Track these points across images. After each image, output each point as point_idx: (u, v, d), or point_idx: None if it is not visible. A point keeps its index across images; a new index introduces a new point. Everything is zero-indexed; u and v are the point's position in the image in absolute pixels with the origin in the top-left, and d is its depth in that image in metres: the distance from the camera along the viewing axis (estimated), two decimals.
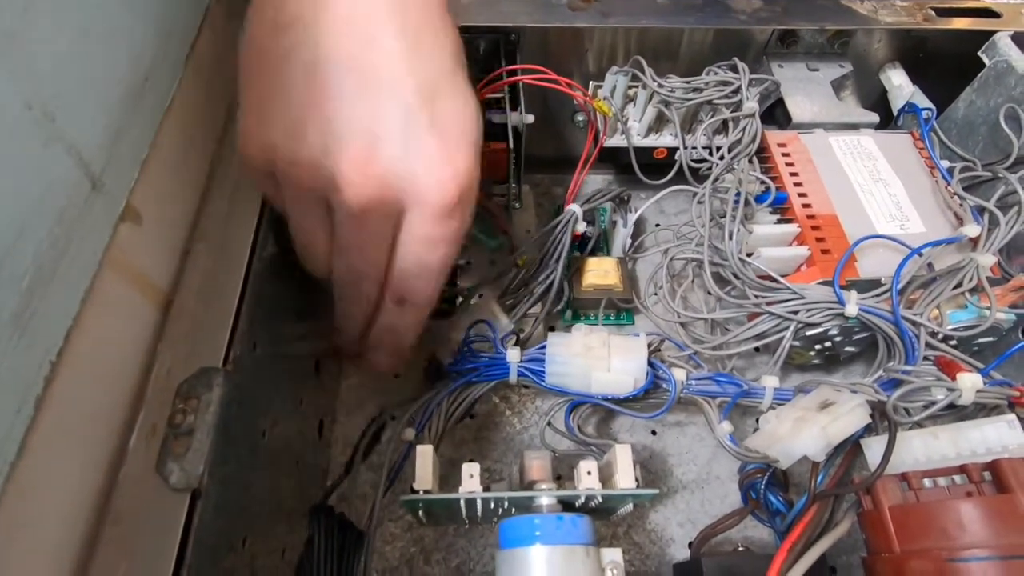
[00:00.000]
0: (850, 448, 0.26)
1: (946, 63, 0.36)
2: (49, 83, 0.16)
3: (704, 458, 0.33)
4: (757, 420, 0.33)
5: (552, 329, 0.34)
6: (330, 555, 0.19)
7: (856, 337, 0.29)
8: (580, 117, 0.38)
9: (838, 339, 0.29)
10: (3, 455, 0.15)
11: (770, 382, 0.27)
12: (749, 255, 0.30)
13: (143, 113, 0.21)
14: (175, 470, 0.18)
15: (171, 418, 0.19)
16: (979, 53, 0.34)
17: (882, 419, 0.25)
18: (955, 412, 0.24)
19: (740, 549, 0.27)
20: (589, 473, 0.23)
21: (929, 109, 0.34)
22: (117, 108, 0.19)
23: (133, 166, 0.20)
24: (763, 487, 0.27)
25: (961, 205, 0.30)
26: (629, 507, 0.24)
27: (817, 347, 0.30)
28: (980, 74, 0.34)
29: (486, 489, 0.22)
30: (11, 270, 0.15)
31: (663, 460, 0.33)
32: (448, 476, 0.32)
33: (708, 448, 0.33)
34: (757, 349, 0.34)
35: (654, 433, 0.34)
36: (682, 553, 0.30)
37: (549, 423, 0.28)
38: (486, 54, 0.35)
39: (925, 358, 0.26)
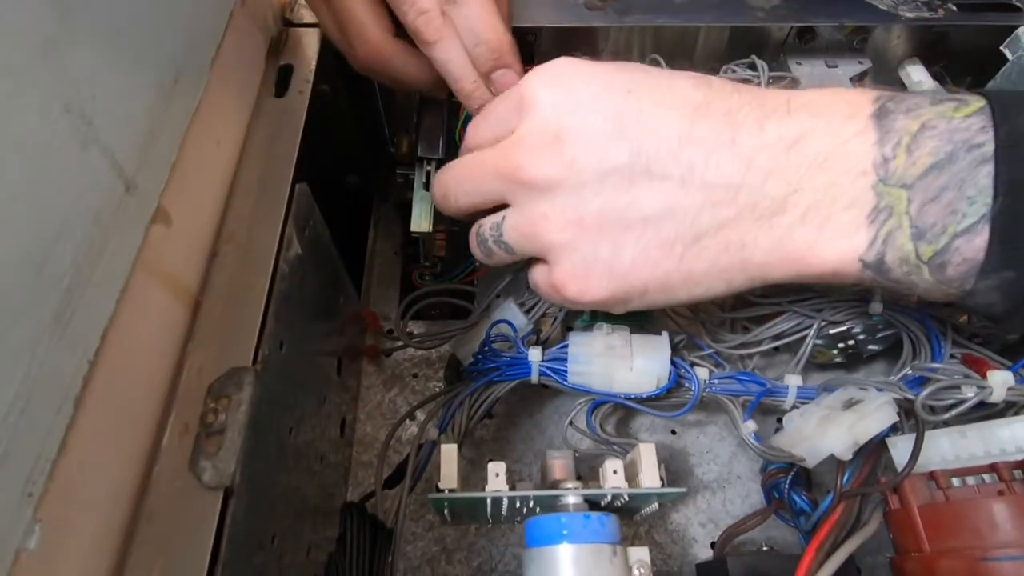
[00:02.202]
0: (875, 447, 0.26)
1: (967, 58, 0.36)
2: (86, 86, 0.16)
3: (725, 457, 0.33)
4: (778, 420, 0.33)
5: (570, 329, 0.34)
6: (362, 552, 0.20)
7: (880, 335, 0.29)
8: None
9: (861, 337, 0.29)
10: (45, 454, 0.15)
11: (793, 381, 0.27)
12: None
13: (172, 116, 0.21)
14: (208, 468, 0.18)
15: (203, 417, 0.19)
16: (1002, 48, 0.34)
17: (908, 418, 0.25)
18: (984, 410, 0.24)
19: (765, 549, 0.27)
20: (615, 472, 0.23)
21: None
22: (148, 111, 0.19)
23: (163, 168, 0.20)
24: (787, 486, 0.27)
25: None
26: (654, 506, 0.24)
27: (840, 346, 0.30)
28: (1003, 69, 0.33)
29: (511, 488, 0.22)
30: (52, 271, 0.15)
31: (683, 459, 0.33)
32: (469, 476, 0.32)
33: (729, 447, 0.33)
34: (777, 348, 0.33)
35: (674, 432, 0.34)
36: (704, 553, 0.30)
37: (571, 422, 0.28)
38: None
39: (951, 356, 0.26)
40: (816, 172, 0.18)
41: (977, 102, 0.18)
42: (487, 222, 0.24)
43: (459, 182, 0.24)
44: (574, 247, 0.21)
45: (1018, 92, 0.18)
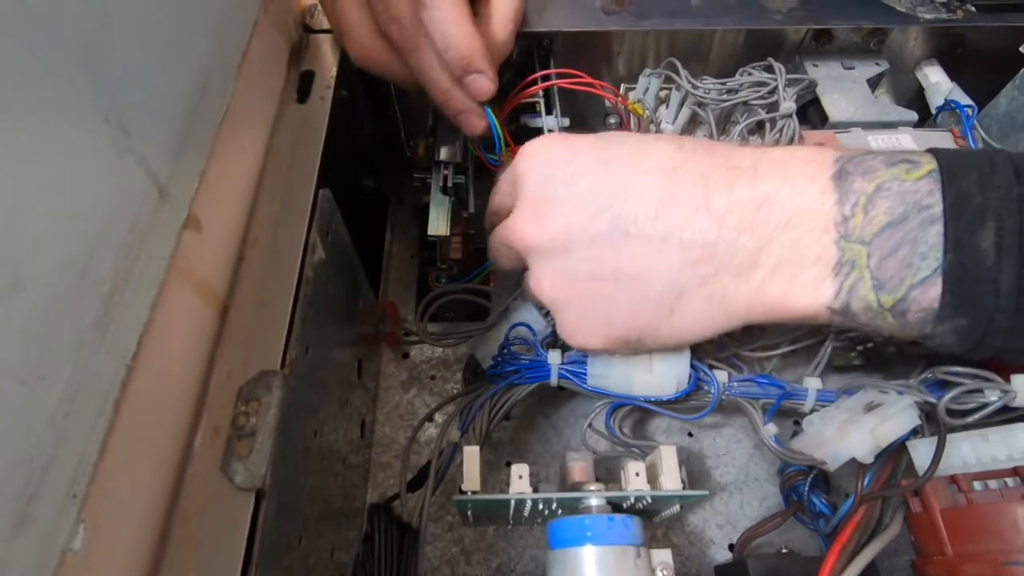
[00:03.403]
0: (896, 450, 0.26)
1: (985, 59, 0.36)
2: (123, 96, 0.17)
3: (742, 460, 0.33)
4: (795, 422, 0.33)
5: None
6: (390, 552, 0.20)
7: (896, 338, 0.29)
8: (612, 120, 0.38)
9: (879, 339, 0.29)
10: (88, 456, 0.15)
11: (813, 383, 0.27)
12: None
13: (202, 123, 0.21)
14: (240, 470, 0.19)
15: (234, 420, 0.20)
16: (1021, 48, 0.33)
17: (928, 421, 0.25)
18: (1006, 414, 0.24)
19: (784, 551, 0.27)
20: (637, 474, 0.23)
21: (971, 106, 0.34)
22: (180, 119, 0.20)
23: (194, 175, 0.21)
24: (807, 489, 0.27)
25: None
26: (676, 508, 0.24)
27: (859, 348, 0.30)
28: (1023, 70, 0.33)
29: (535, 490, 0.22)
30: (93, 277, 0.16)
31: (701, 462, 0.33)
32: (487, 478, 0.32)
33: (746, 450, 0.33)
34: (794, 351, 0.33)
35: (691, 435, 0.34)
36: (722, 555, 0.30)
37: (590, 425, 0.29)
38: (520, 59, 0.35)
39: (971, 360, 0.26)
40: (783, 230, 0.20)
41: (928, 164, 0.19)
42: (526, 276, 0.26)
43: (494, 250, 0.27)
44: (569, 306, 0.23)
45: (965, 153, 0.20)
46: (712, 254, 0.20)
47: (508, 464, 0.33)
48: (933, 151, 0.20)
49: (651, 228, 0.21)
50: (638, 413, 0.34)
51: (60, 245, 0.15)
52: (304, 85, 0.29)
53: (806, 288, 0.20)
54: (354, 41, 0.29)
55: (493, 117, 0.30)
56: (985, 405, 0.23)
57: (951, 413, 0.24)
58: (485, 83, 0.28)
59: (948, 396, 0.23)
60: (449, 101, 0.29)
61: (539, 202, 0.23)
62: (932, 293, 0.19)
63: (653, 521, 0.28)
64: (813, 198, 0.20)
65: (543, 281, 0.23)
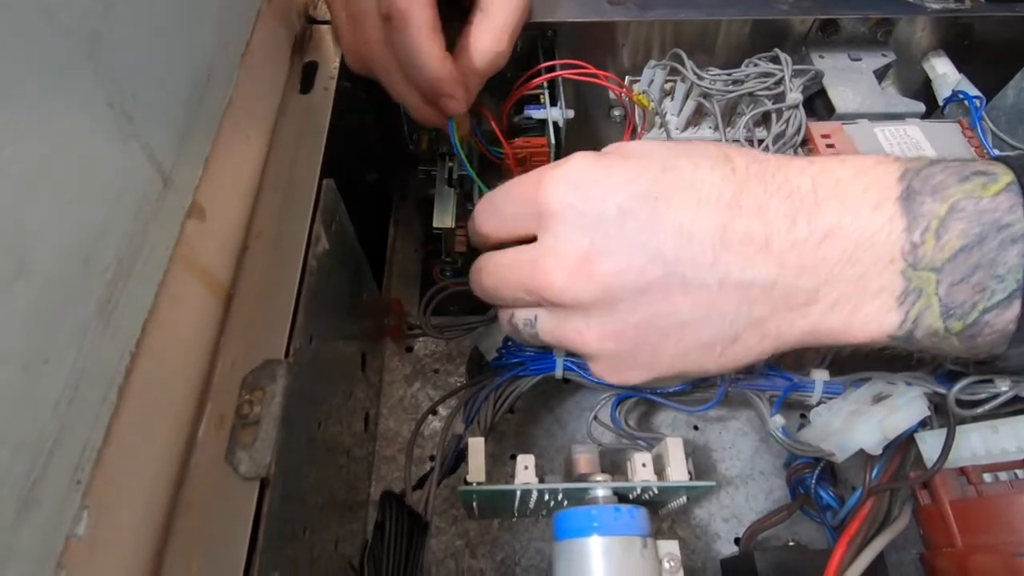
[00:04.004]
0: (904, 442, 0.25)
1: (993, 50, 0.36)
2: (127, 83, 0.17)
3: (748, 453, 0.33)
4: (802, 415, 0.33)
5: None
6: (400, 541, 0.20)
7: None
8: (617, 112, 0.37)
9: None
10: (92, 442, 0.15)
11: (820, 375, 0.27)
12: None
13: (206, 111, 0.21)
14: (244, 459, 0.19)
15: (238, 409, 0.19)
16: None
17: (936, 413, 0.25)
18: (1016, 405, 0.24)
19: (791, 544, 0.27)
20: (644, 465, 0.23)
21: (979, 97, 0.33)
22: (184, 106, 0.20)
23: (198, 163, 0.21)
24: (814, 482, 0.27)
25: None
26: (682, 500, 0.24)
27: None
28: None
29: (540, 482, 0.22)
30: (97, 263, 0.15)
31: (706, 455, 0.33)
32: (492, 471, 0.32)
33: (751, 443, 0.33)
34: None
35: (696, 428, 0.34)
36: (728, 548, 0.30)
37: (595, 417, 0.28)
38: (524, 50, 0.35)
39: None
40: (846, 265, 0.19)
41: (1004, 176, 0.18)
42: (520, 317, 0.23)
43: (494, 290, 0.24)
44: (610, 356, 0.21)
45: None
46: (770, 293, 0.19)
47: (513, 457, 0.33)
48: (1004, 159, 0.18)
49: (708, 274, 0.19)
50: (643, 406, 0.34)
51: (64, 231, 0.14)
52: (307, 76, 0.29)
53: (868, 321, 0.19)
54: (343, 46, 0.29)
55: (454, 134, 0.29)
56: (995, 396, 0.23)
57: (961, 404, 0.23)
58: (453, 106, 0.27)
59: (958, 387, 0.23)
60: (422, 119, 0.29)
61: (583, 248, 0.20)
62: (1008, 316, 0.17)
63: (659, 514, 0.28)
64: (879, 227, 0.18)
65: (585, 334, 0.21)
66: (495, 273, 0.24)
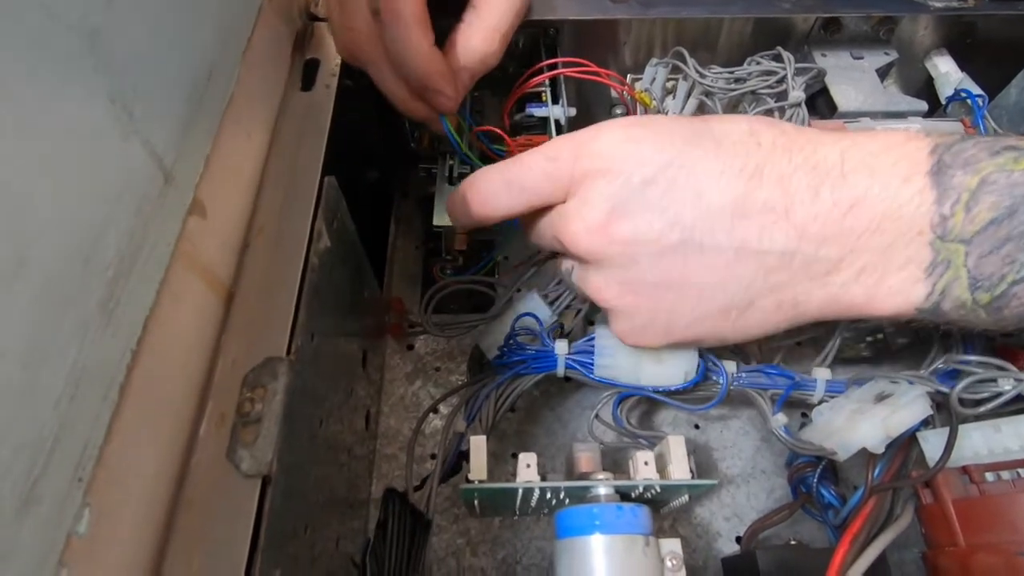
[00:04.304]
0: (906, 441, 0.25)
1: (996, 48, 0.36)
2: (128, 78, 0.17)
3: (749, 452, 0.33)
4: (803, 414, 0.33)
5: (591, 323, 0.34)
6: (402, 538, 0.20)
7: (911, 328, 0.28)
8: (619, 110, 0.37)
9: (891, 330, 0.29)
10: (93, 440, 0.15)
11: (822, 374, 0.27)
12: None
13: (207, 107, 0.21)
14: (246, 457, 0.19)
15: (239, 406, 0.19)
16: None
17: (939, 411, 0.25)
18: (1019, 404, 0.24)
19: (793, 543, 0.27)
20: (646, 463, 0.23)
21: (982, 96, 0.33)
22: (185, 103, 0.20)
23: (199, 160, 0.20)
24: (815, 481, 0.27)
25: None
26: (684, 499, 0.24)
27: (868, 339, 0.30)
28: None
29: (542, 480, 0.22)
30: (99, 261, 0.15)
31: (707, 454, 0.33)
32: (492, 469, 0.32)
33: (752, 442, 0.33)
34: (799, 343, 0.33)
35: (697, 427, 0.34)
36: (729, 547, 0.30)
37: (597, 415, 0.28)
38: (525, 48, 0.35)
39: (984, 349, 0.26)
40: (872, 235, 0.19)
41: None
42: (564, 264, 0.25)
43: (540, 237, 0.25)
44: (629, 314, 0.22)
45: None
46: (789, 263, 0.19)
47: (514, 456, 0.33)
48: None
49: (725, 240, 0.20)
50: (644, 405, 0.34)
51: (65, 228, 0.14)
52: (308, 73, 0.29)
53: (893, 292, 0.19)
54: (334, 37, 0.29)
55: (451, 131, 0.29)
56: (999, 395, 0.23)
57: (963, 403, 0.23)
58: (443, 101, 0.27)
59: (961, 385, 0.23)
60: (409, 112, 0.29)
61: (605, 211, 0.21)
62: None
63: (660, 512, 0.28)
64: (908, 199, 0.18)
65: (604, 289, 0.22)
66: (542, 227, 0.25)
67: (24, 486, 0.13)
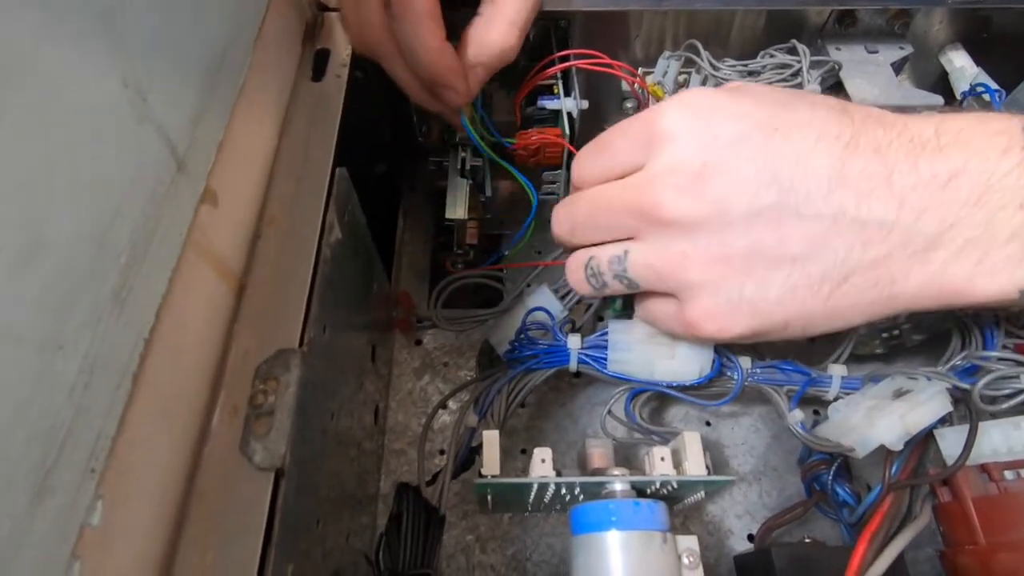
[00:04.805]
0: (923, 438, 0.25)
1: (1011, 43, 0.35)
2: (141, 62, 0.16)
3: (760, 449, 0.32)
4: (815, 411, 0.32)
5: (601, 319, 0.34)
6: (417, 533, 0.20)
7: (926, 325, 0.28)
8: (630, 103, 0.37)
9: (906, 327, 0.28)
10: (106, 430, 0.15)
11: (838, 370, 0.27)
12: None
13: (219, 95, 0.21)
14: (259, 449, 0.18)
15: (252, 398, 0.19)
16: None
17: (956, 406, 0.25)
18: None
19: (808, 540, 0.26)
20: (663, 459, 0.22)
21: (999, 91, 0.33)
22: (198, 89, 0.19)
23: (211, 148, 0.20)
24: (831, 478, 0.27)
25: None
26: (700, 495, 0.24)
27: (883, 335, 0.29)
28: None
29: (558, 475, 0.22)
30: (112, 247, 0.15)
31: (719, 451, 0.33)
32: (502, 465, 0.32)
33: (764, 439, 0.33)
34: (812, 340, 0.33)
35: (708, 424, 0.33)
36: (741, 545, 0.30)
37: (609, 411, 0.28)
38: (537, 40, 0.34)
39: (1003, 346, 0.25)
40: (973, 209, 0.18)
41: None
42: (604, 256, 0.22)
43: (589, 216, 0.23)
44: (717, 287, 0.20)
45: None
46: (887, 235, 0.18)
47: (523, 451, 0.32)
48: None
49: (823, 205, 0.18)
50: (655, 401, 0.33)
51: (79, 213, 0.14)
52: (319, 63, 0.29)
53: (997, 270, 0.18)
54: (347, 28, 0.28)
55: (468, 123, 0.29)
56: (1020, 391, 0.22)
57: (984, 399, 0.23)
58: (453, 97, 0.27)
59: (983, 382, 0.23)
60: (423, 104, 0.28)
61: (694, 167, 0.19)
62: None
63: (673, 509, 0.28)
64: (1007, 171, 0.17)
65: (690, 258, 0.20)
66: (596, 199, 0.23)
67: (38, 476, 0.13)
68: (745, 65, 0.33)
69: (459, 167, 0.31)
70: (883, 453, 0.24)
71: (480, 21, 0.27)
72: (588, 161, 0.23)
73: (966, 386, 0.23)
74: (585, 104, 0.32)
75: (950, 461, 0.23)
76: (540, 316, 0.29)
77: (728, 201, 0.19)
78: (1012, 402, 0.23)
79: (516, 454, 0.32)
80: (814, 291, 0.19)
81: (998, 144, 0.18)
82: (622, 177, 0.22)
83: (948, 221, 0.18)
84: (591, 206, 0.23)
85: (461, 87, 0.27)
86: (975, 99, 0.34)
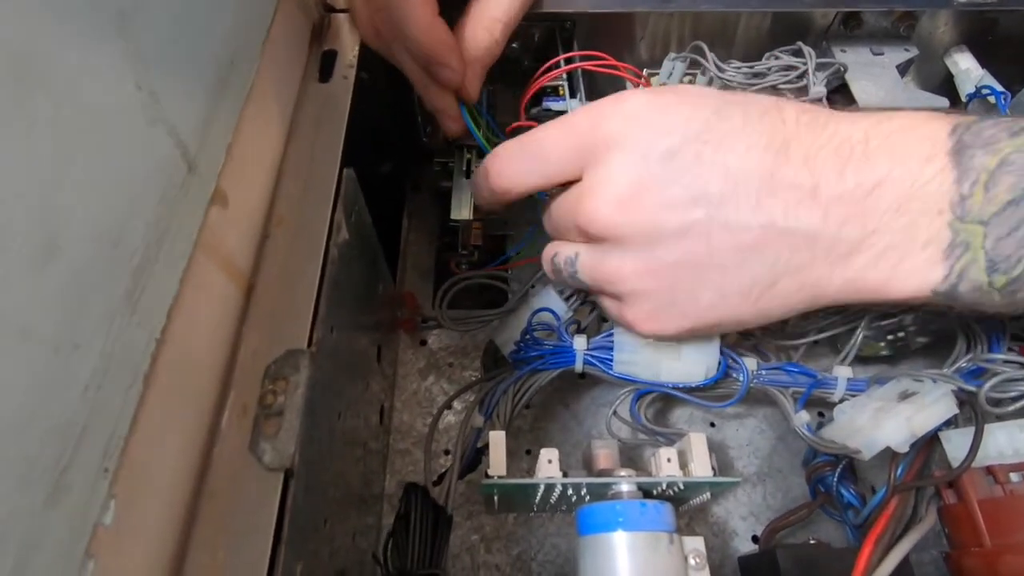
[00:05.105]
0: (929, 440, 0.25)
1: (1017, 45, 0.35)
2: (154, 64, 0.16)
3: (765, 451, 0.33)
4: (820, 413, 0.33)
5: (606, 320, 0.34)
6: (425, 532, 0.20)
7: (931, 327, 0.28)
8: None
9: (912, 329, 0.28)
10: (119, 430, 0.15)
11: (843, 372, 0.27)
12: None
13: (229, 97, 0.21)
14: (268, 450, 0.18)
15: (262, 399, 0.19)
16: None
17: (962, 409, 0.25)
18: None
19: (813, 542, 0.26)
20: (669, 460, 0.22)
21: (1005, 93, 0.33)
22: (208, 92, 0.19)
23: (221, 149, 0.20)
24: (836, 480, 0.27)
25: None
26: (706, 496, 0.24)
27: (889, 338, 0.29)
28: None
29: (564, 475, 0.22)
30: (125, 248, 0.15)
31: (723, 452, 0.33)
32: (508, 466, 0.32)
33: (769, 440, 0.33)
34: (816, 341, 0.33)
35: (713, 425, 0.33)
36: (745, 546, 0.30)
37: (615, 412, 0.28)
38: (541, 42, 0.34)
39: (1009, 348, 0.25)
40: (894, 215, 0.19)
41: None
42: (561, 255, 0.24)
43: (549, 218, 0.24)
44: (649, 295, 0.21)
45: None
46: (813, 243, 0.19)
47: (528, 452, 0.32)
48: None
49: (752, 217, 0.19)
50: (659, 402, 0.33)
51: (93, 213, 0.14)
52: (326, 64, 0.29)
53: (912, 273, 0.19)
54: (357, 21, 0.28)
55: (470, 120, 0.29)
56: None
57: (992, 402, 0.23)
58: (448, 75, 0.26)
59: (989, 384, 0.23)
60: (427, 98, 0.28)
61: (625, 184, 0.20)
62: None
63: (678, 511, 0.28)
64: (929, 178, 0.18)
65: (622, 270, 0.21)
66: (554, 214, 0.24)
67: (53, 475, 0.13)
68: (751, 67, 0.33)
69: (464, 168, 0.31)
70: (888, 455, 0.24)
71: (465, 19, 0.27)
72: (518, 166, 0.24)
73: (972, 388, 0.23)
74: None
75: (955, 463, 0.23)
76: (545, 317, 0.29)
77: (658, 219, 0.20)
78: (1018, 404, 0.23)
79: (521, 455, 0.32)
80: (744, 296, 0.20)
81: (923, 151, 0.18)
82: (561, 184, 0.23)
83: (870, 228, 0.19)
84: (551, 210, 0.24)
85: (456, 63, 0.26)
86: (980, 101, 0.34)
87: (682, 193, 0.20)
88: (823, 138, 0.19)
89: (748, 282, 0.20)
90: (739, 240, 0.19)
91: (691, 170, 0.20)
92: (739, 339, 0.28)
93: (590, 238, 0.22)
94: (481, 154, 0.32)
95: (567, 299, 0.30)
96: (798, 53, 0.33)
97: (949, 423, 0.25)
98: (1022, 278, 0.18)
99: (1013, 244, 0.18)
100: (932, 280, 0.19)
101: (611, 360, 0.27)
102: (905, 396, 0.24)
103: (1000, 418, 0.24)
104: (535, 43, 0.35)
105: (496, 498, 0.24)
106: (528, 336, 0.28)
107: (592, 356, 0.27)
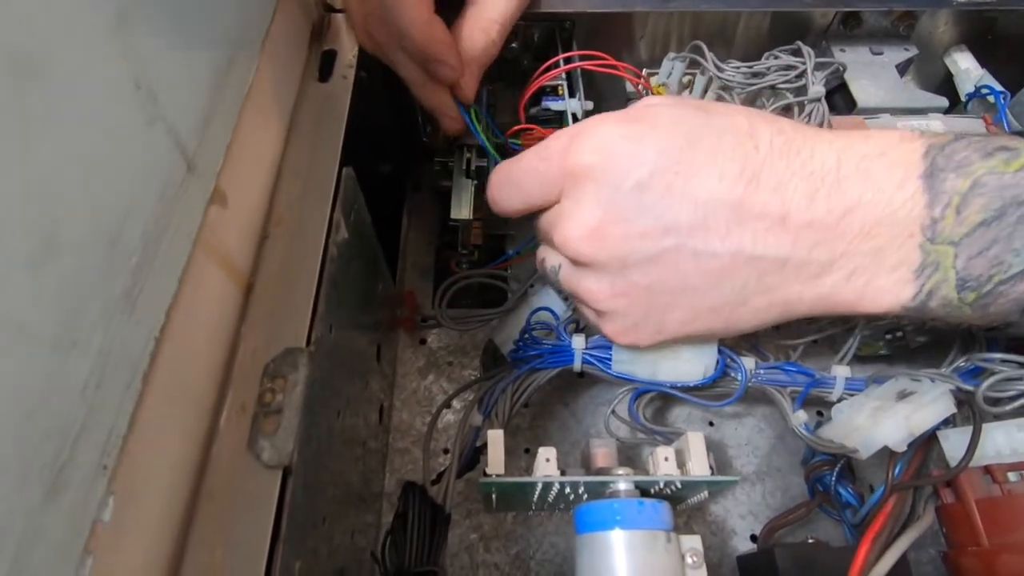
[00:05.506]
0: (927, 440, 0.25)
1: (1016, 45, 0.35)
2: (152, 63, 0.16)
3: (764, 450, 0.33)
4: (818, 413, 0.33)
5: None
6: (423, 530, 0.20)
7: (929, 327, 0.28)
8: None
9: (910, 328, 0.28)
10: (118, 428, 0.15)
11: (842, 372, 0.27)
12: None
13: (227, 96, 0.21)
14: (267, 447, 0.18)
15: (260, 397, 0.19)
16: None
17: (960, 408, 0.25)
18: None
19: (811, 541, 0.26)
20: (666, 459, 0.22)
21: (1004, 93, 0.33)
22: (207, 91, 0.19)
23: (220, 148, 0.20)
24: (834, 479, 0.27)
25: None
26: (703, 495, 0.24)
27: (887, 337, 0.29)
28: None
29: (562, 474, 0.22)
30: (123, 247, 0.15)
31: (722, 452, 0.33)
32: (506, 464, 0.32)
33: (767, 439, 0.33)
34: (815, 340, 0.33)
35: (711, 424, 0.34)
36: (744, 545, 0.30)
37: (613, 411, 0.28)
38: (541, 42, 0.34)
39: (1007, 347, 0.25)
40: (864, 239, 0.19)
41: None
42: (547, 262, 0.25)
43: (542, 249, 0.25)
44: (622, 314, 0.22)
45: None
46: (782, 267, 0.19)
47: (527, 451, 0.32)
48: None
49: (721, 246, 0.20)
50: (658, 401, 0.33)
51: (92, 211, 0.14)
52: (326, 64, 0.29)
53: (882, 292, 0.19)
54: (353, 23, 0.28)
55: (472, 121, 0.29)
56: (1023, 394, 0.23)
57: (987, 401, 0.23)
58: (446, 71, 0.26)
59: (987, 383, 0.23)
60: (424, 98, 0.28)
61: (597, 215, 0.20)
62: (1022, 287, 0.18)
63: (676, 509, 0.28)
64: (900, 204, 0.18)
65: (596, 292, 0.22)
66: (538, 233, 0.25)
67: (52, 472, 0.13)
68: (750, 67, 0.33)
69: (464, 167, 0.31)
70: (886, 454, 0.24)
71: (462, 21, 0.27)
72: (505, 202, 0.25)
73: (970, 388, 0.23)
74: (590, 105, 0.32)
75: (953, 463, 0.23)
76: (544, 316, 0.29)
77: (629, 248, 0.20)
78: (1016, 404, 0.23)
79: (520, 453, 0.32)
80: (715, 314, 0.21)
81: (895, 177, 0.19)
82: (543, 208, 0.24)
83: (839, 251, 0.19)
84: (538, 222, 0.25)
85: (453, 61, 0.26)
86: (980, 101, 0.34)
87: (653, 224, 0.20)
88: (796, 164, 0.19)
89: (719, 302, 0.21)
90: (708, 267, 0.20)
91: (661, 201, 0.20)
92: (738, 339, 0.28)
93: (567, 259, 0.23)
94: (481, 153, 0.32)
95: (566, 299, 0.30)
96: (797, 53, 0.33)
97: (947, 422, 0.25)
98: (992, 294, 0.18)
99: (983, 264, 0.18)
100: (903, 298, 0.19)
101: (610, 359, 0.27)
102: (903, 395, 0.24)
103: (998, 417, 0.24)
104: (534, 43, 0.35)
105: (494, 497, 0.24)
106: (527, 335, 0.28)
107: (591, 355, 0.27)
